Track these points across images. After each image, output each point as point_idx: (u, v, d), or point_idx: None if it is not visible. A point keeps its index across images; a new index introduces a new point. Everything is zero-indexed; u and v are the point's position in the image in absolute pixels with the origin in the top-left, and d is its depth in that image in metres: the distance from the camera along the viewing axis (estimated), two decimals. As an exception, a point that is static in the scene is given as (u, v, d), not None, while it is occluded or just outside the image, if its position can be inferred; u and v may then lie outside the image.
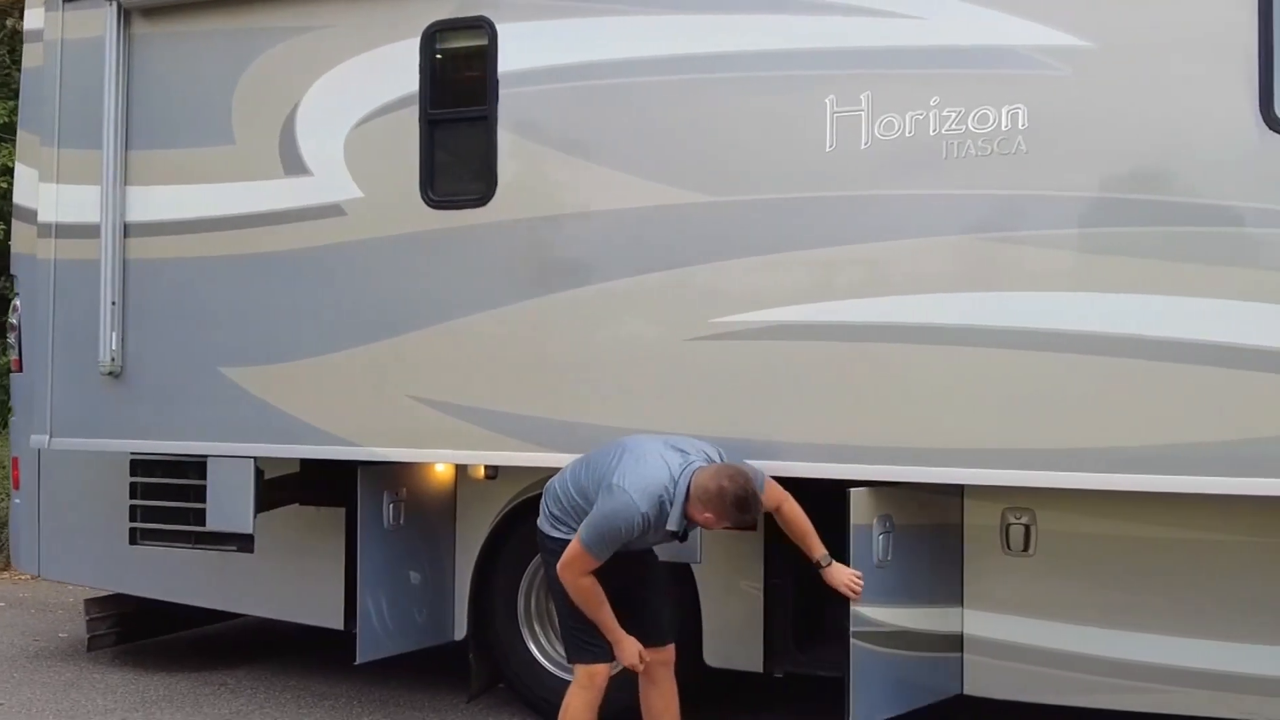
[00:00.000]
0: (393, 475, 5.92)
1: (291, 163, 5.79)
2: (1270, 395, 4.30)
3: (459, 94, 5.58)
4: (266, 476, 6.02)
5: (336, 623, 6.23)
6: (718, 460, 4.62)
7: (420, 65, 5.55)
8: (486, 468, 5.99)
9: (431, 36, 5.56)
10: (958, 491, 5.10)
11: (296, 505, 6.26)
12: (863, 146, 4.82)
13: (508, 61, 5.41)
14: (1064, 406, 4.58)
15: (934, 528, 5.11)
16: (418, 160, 5.55)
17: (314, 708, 6.23)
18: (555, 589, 4.75)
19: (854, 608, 4.79)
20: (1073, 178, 4.55)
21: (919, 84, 4.74)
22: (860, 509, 4.84)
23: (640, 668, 4.67)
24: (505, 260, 5.44)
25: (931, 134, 4.71)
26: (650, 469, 4.52)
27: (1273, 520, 4.68)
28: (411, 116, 5.57)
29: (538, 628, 6.06)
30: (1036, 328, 4.60)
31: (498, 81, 5.42)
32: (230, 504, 5.95)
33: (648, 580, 4.91)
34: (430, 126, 5.56)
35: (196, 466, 6.08)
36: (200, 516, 6.09)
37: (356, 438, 5.66)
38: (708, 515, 4.48)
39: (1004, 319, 4.65)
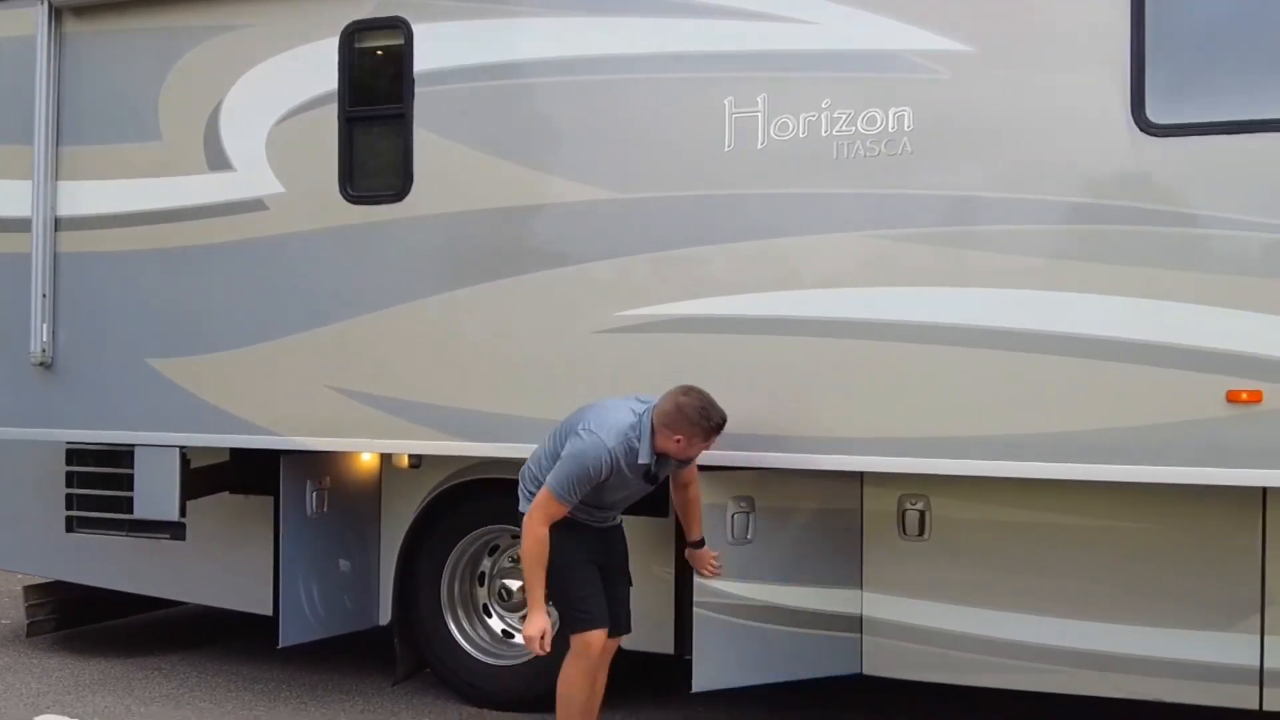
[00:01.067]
0: (316, 464, 6.07)
1: (215, 158, 5.92)
2: (1138, 385, 4.48)
3: (377, 92, 5.72)
4: (196, 465, 6.16)
5: (266, 609, 6.34)
6: None
7: (339, 64, 5.69)
8: (410, 457, 6.14)
9: (350, 36, 5.69)
10: (856, 478, 5.28)
11: (227, 494, 6.41)
12: (759, 146, 4.98)
13: (423, 61, 5.55)
14: (949, 396, 4.76)
15: (826, 512, 5.30)
16: (337, 156, 5.70)
17: (244, 691, 6.37)
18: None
19: (698, 580, 5.06)
20: (955, 177, 4.73)
21: (812, 87, 4.90)
22: (714, 491, 5.09)
23: (537, 648, 4.69)
24: (421, 254, 5.59)
25: (823, 135, 4.88)
26: (614, 412, 4.69)
27: (1151, 506, 4.87)
28: (331, 114, 5.71)
29: (461, 613, 6.22)
30: (923, 321, 4.78)
31: (414, 80, 5.56)
32: (157, 492, 6.08)
33: (620, 570, 5.02)
34: (349, 124, 5.70)
35: (127, 456, 6.21)
36: (132, 505, 6.22)
37: (278, 427, 5.80)
38: (677, 438, 4.61)
39: (893, 313, 4.82)
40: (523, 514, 4.81)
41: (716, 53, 5.06)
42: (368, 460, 6.33)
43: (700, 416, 4.59)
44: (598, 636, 4.80)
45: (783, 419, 5.02)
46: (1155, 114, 4.46)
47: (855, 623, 5.34)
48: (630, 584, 5.07)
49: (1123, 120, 4.50)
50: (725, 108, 5.02)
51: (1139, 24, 4.48)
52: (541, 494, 4.66)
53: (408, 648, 6.29)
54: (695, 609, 5.21)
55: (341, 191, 5.70)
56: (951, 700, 5.66)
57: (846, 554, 5.31)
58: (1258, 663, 4.78)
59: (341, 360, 5.71)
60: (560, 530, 4.68)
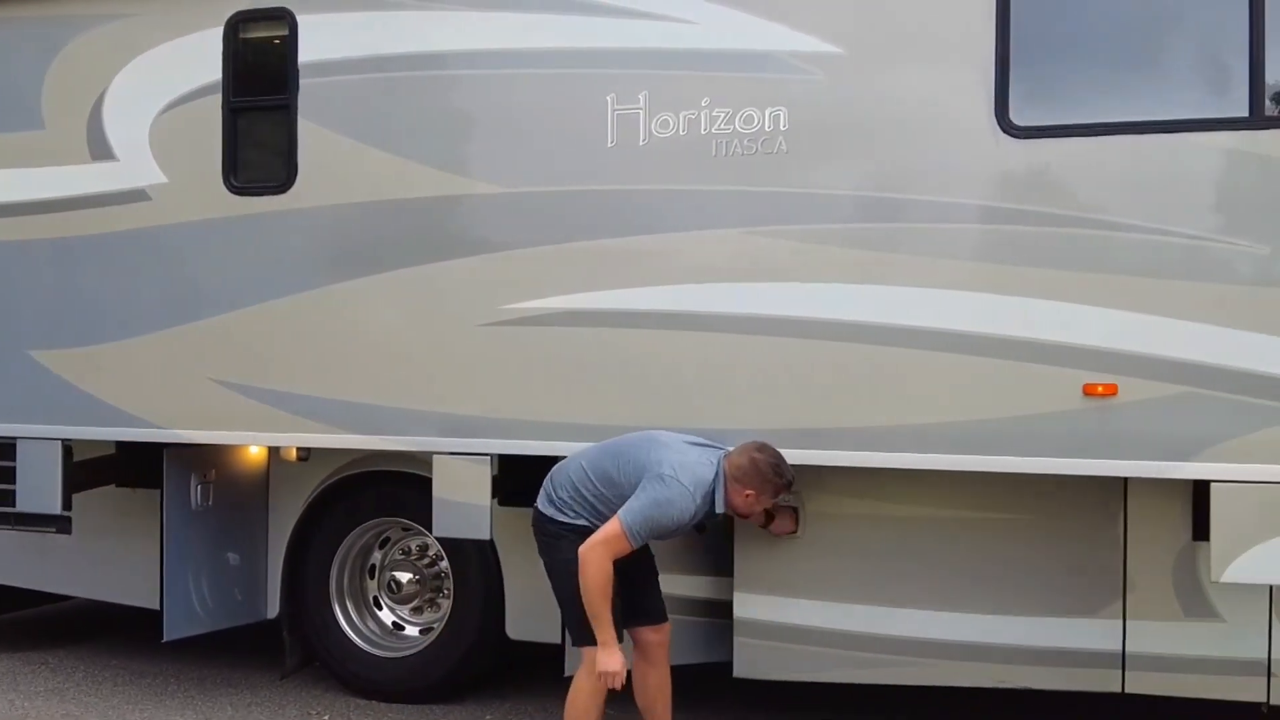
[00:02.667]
0: (201, 457, 6.04)
1: (98, 148, 5.85)
2: (1001, 378, 4.62)
3: (261, 83, 5.68)
4: (81, 458, 6.09)
5: (153, 603, 6.27)
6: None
7: (223, 54, 5.66)
8: (299, 450, 6.13)
9: (234, 26, 5.66)
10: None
11: (114, 487, 6.34)
12: (641, 143, 5.05)
13: (308, 52, 5.54)
14: (821, 390, 4.86)
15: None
16: (220, 147, 5.67)
17: (130, 685, 6.32)
18: (554, 569, 4.75)
19: None
20: (828, 176, 4.83)
21: (691, 85, 4.97)
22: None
23: (614, 682, 4.52)
24: (306, 246, 5.58)
25: (703, 133, 4.96)
26: (695, 462, 4.59)
27: (1017, 497, 5.02)
28: (215, 104, 5.67)
29: (350, 605, 6.22)
30: (796, 316, 4.87)
31: (298, 71, 5.54)
32: (40, 486, 5.99)
33: (645, 562, 4.91)
34: (233, 114, 5.67)
35: (9, 449, 6.11)
36: (15, 498, 6.13)
37: (161, 420, 5.75)
38: (748, 493, 4.60)
39: (768, 308, 4.91)
40: (544, 515, 4.76)
41: (599, 49, 5.11)
42: (255, 453, 6.31)
43: (774, 473, 4.59)
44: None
45: (662, 412, 5.08)
46: (1018, 116, 4.59)
47: (729, 608, 5.44)
48: (656, 574, 4.97)
49: (987, 122, 4.63)
50: (608, 104, 5.08)
51: (1003, 29, 4.60)
52: (613, 528, 4.48)
53: (296, 641, 6.28)
54: None
55: (225, 183, 5.67)
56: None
57: (721, 544, 5.40)
58: (1120, 647, 4.95)
59: (225, 353, 5.67)
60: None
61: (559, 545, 4.72)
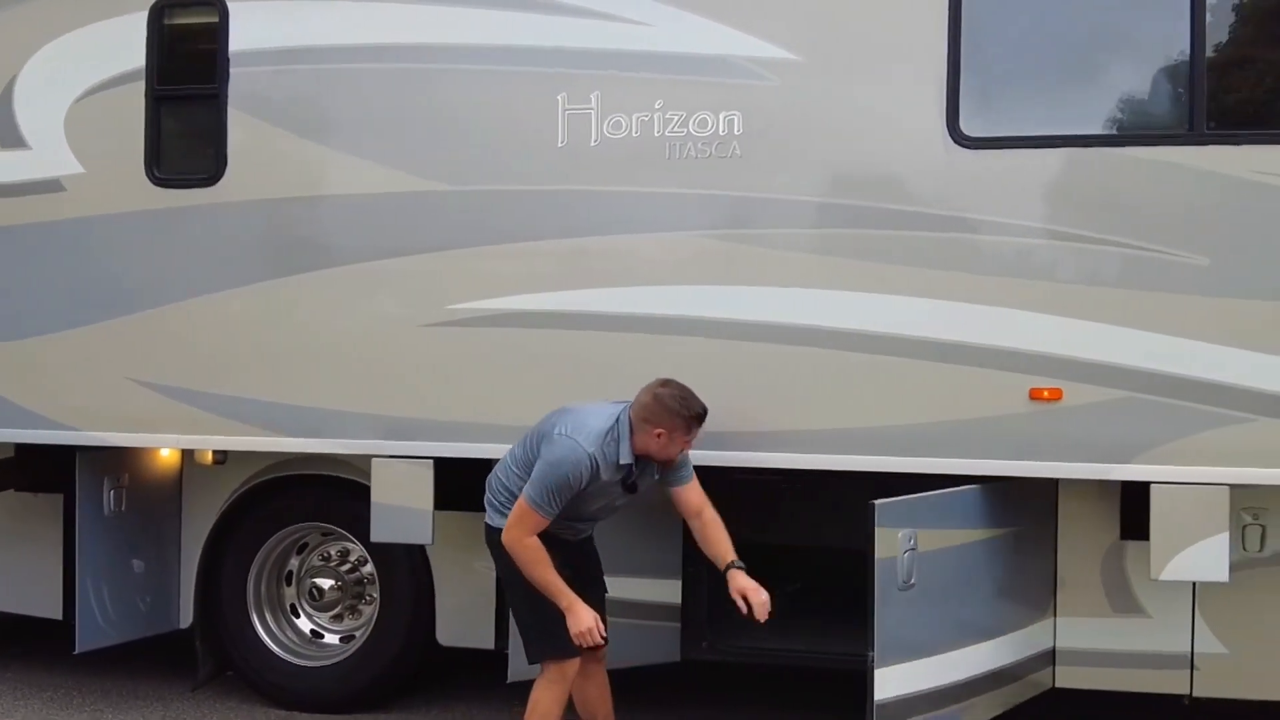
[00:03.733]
0: (114, 461, 5.78)
1: (9, 136, 5.57)
2: (950, 383, 4.72)
3: (188, 71, 5.49)
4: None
5: (55, 612, 6.02)
6: None
7: (148, 40, 5.43)
8: (215, 453, 5.91)
9: (160, 12, 5.45)
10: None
11: (12, 491, 6.03)
12: (593, 144, 5.02)
13: (240, 40, 5.36)
14: (775, 392, 4.90)
15: (648, 506, 5.36)
16: (143, 137, 5.44)
17: (31, 699, 6.01)
18: (510, 581, 4.59)
19: None
20: (782, 181, 4.87)
21: (645, 87, 4.96)
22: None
23: (589, 639, 4.40)
24: (236, 241, 5.39)
25: (656, 135, 4.95)
26: (590, 415, 4.45)
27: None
28: (137, 92, 5.45)
29: (268, 613, 6.02)
30: (750, 320, 4.89)
31: (229, 60, 5.36)
32: (-66, 490, 5.68)
33: (596, 579, 4.80)
34: (157, 103, 5.45)
35: (-98, 451, 5.79)
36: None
37: (73, 421, 5.51)
38: (658, 432, 4.39)
39: (721, 311, 4.92)
40: (492, 527, 4.59)
41: (549, 48, 5.06)
42: (167, 457, 6.06)
43: (680, 406, 4.39)
44: (574, 664, 4.58)
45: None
46: (969, 127, 4.71)
47: (675, 612, 5.46)
48: (605, 590, 4.85)
49: (938, 132, 4.73)
50: (559, 104, 5.03)
51: (955, 43, 4.71)
52: (518, 508, 4.39)
53: (209, 651, 6.05)
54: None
55: (148, 174, 5.44)
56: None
57: (670, 546, 5.41)
58: (1051, 643, 5.11)
59: (145, 351, 5.45)
60: None
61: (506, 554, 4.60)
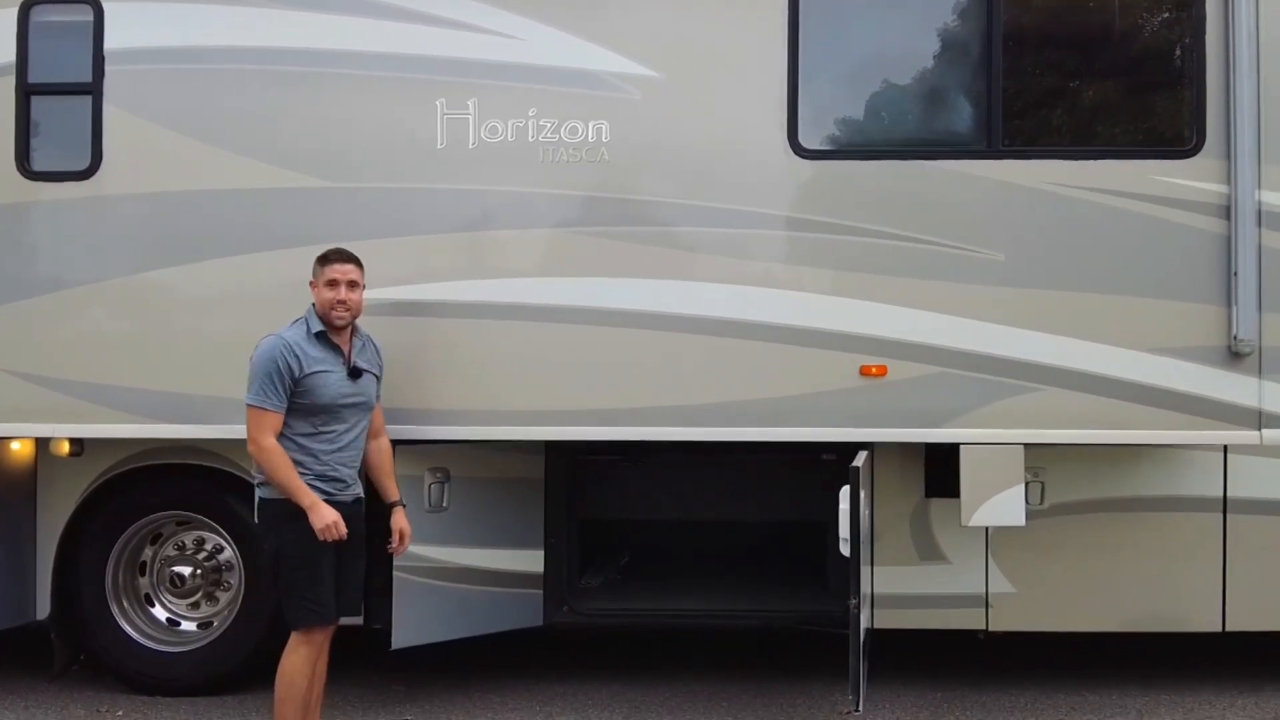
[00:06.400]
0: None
1: None
2: (793, 361, 5.41)
3: (61, 66, 5.56)
4: None
5: (-104, 609, 5.92)
6: None
7: (17, 34, 5.51)
8: (71, 444, 5.96)
9: (29, 8, 5.52)
10: (541, 448, 5.91)
11: None
12: (470, 147, 5.45)
13: (116, 39, 5.51)
14: (630, 373, 5.45)
15: (515, 480, 5.92)
16: (13, 131, 5.50)
17: None
18: (271, 553, 4.82)
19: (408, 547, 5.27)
20: (646, 184, 5.46)
21: (520, 96, 5.45)
22: (412, 463, 5.54)
23: (334, 533, 4.71)
24: (111, 234, 5.53)
25: (530, 140, 5.44)
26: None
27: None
28: (7, 86, 5.50)
29: (126, 603, 6.11)
30: (610, 308, 5.45)
31: (104, 58, 5.49)
32: None
33: (356, 550, 4.98)
34: (27, 97, 5.52)
35: None
36: None
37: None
38: (311, 282, 4.87)
39: (581, 300, 5.45)
40: (257, 500, 4.86)
41: (429, 57, 5.46)
42: (18, 449, 6.06)
43: (319, 257, 4.88)
44: (324, 632, 4.87)
45: (476, 396, 5.51)
46: (806, 140, 5.43)
47: (538, 580, 5.93)
48: (365, 561, 5.10)
49: (780, 144, 5.42)
50: (438, 109, 5.44)
51: (794, 67, 5.42)
52: (247, 415, 4.71)
53: (65, 641, 6.08)
54: (395, 573, 5.57)
55: (18, 167, 5.50)
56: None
57: (532, 521, 5.88)
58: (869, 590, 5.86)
59: (15, 342, 5.51)
60: (303, 522, 4.72)
61: (270, 526, 4.84)
